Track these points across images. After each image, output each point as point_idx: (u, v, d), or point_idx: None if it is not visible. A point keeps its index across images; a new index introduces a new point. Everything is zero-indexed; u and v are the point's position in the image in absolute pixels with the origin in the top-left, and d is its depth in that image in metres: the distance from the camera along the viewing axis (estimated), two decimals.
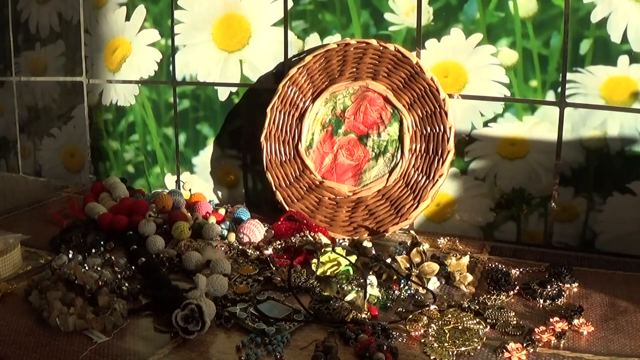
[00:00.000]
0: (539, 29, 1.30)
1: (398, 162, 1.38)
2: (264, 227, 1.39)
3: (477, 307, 1.06)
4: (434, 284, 1.15)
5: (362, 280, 1.14)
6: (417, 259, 1.16)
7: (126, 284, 1.11)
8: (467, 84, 1.37)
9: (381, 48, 1.38)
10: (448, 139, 1.34)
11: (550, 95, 1.32)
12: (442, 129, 1.34)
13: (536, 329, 0.99)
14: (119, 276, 1.16)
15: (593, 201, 1.32)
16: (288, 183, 1.46)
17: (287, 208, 1.45)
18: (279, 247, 1.32)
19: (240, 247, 1.33)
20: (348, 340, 0.96)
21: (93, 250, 1.27)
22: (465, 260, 1.18)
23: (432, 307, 1.07)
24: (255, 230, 1.36)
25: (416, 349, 0.95)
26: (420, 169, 1.36)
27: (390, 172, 1.38)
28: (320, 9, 1.47)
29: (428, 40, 1.39)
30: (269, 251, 1.30)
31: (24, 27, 1.82)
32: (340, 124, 1.43)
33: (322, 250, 1.21)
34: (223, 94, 1.60)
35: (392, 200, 1.38)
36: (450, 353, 0.93)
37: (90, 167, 1.82)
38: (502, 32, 1.33)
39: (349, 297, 1.07)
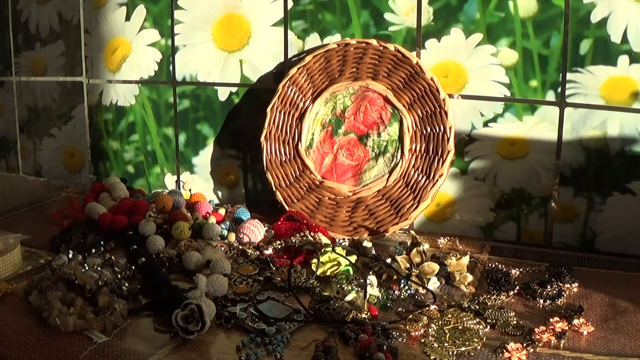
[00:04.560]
0: (539, 29, 1.30)
1: (398, 162, 1.38)
2: (264, 227, 1.39)
3: (477, 307, 1.06)
4: (434, 284, 1.15)
5: (362, 280, 1.14)
6: (417, 259, 1.16)
7: (126, 284, 1.11)
8: (467, 84, 1.37)
9: (381, 48, 1.38)
10: (448, 139, 1.34)
11: (550, 95, 1.32)
12: (442, 129, 1.34)
13: (536, 329, 0.99)
14: (119, 276, 1.16)
15: (593, 201, 1.32)
16: (288, 183, 1.46)
17: (287, 208, 1.45)
18: (279, 247, 1.32)
19: (240, 247, 1.33)
20: (348, 340, 0.96)
21: (93, 250, 1.27)
22: (465, 260, 1.18)
23: (432, 307, 1.06)
24: (255, 230, 1.36)
25: (416, 349, 0.95)
26: (420, 169, 1.36)
27: (390, 172, 1.38)
28: (320, 9, 1.47)
29: (428, 40, 1.39)
30: (269, 251, 1.30)
31: (24, 27, 1.82)
32: (340, 124, 1.43)
33: (322, 250, 1.21)
34: (223, 94, 1.60)
35: (392, 200, 1.38)
36: (450, 353, 0.93)
37: (90, 167, 1.82)
38: (502, 32, 1.33)
39: (349, 297, 1.07)
